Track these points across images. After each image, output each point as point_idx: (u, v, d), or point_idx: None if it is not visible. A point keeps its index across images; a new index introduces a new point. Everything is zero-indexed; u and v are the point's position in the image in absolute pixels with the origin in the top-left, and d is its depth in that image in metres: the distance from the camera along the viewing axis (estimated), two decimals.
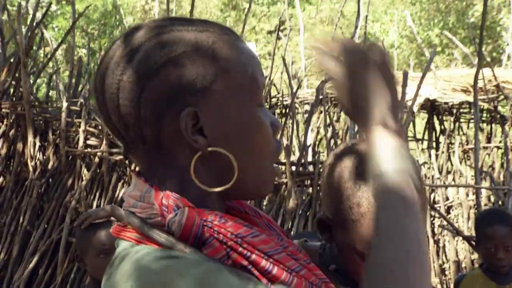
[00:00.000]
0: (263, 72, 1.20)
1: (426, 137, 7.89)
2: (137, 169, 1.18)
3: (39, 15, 6.76)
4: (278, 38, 8.08)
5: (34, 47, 6.43)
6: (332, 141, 5.90)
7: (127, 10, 19.01)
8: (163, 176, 1.11)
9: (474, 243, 4.28)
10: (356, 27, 5.18)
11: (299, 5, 7.60)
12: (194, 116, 1.07)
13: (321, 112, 7.10)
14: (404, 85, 4.89)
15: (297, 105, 7.67)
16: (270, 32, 20.53)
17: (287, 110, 5.70)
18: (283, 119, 5.91)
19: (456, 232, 4.78)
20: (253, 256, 1.04)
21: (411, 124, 7.66)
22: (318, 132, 7.60)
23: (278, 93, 8.19)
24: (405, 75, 4.89)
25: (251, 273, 1.03)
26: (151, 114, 1.07)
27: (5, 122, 5.55)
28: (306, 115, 7.30)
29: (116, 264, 1.07)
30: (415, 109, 7.30)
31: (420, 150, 7.86)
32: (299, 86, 6.58)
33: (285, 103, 7.93)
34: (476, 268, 3.99)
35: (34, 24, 5.92)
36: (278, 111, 7.98)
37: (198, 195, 1.09)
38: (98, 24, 14.29)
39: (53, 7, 17.38)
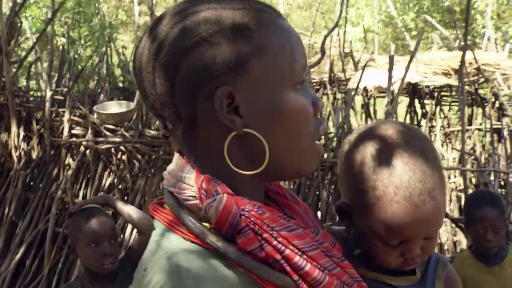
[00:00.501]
0: (304, 50, 1.18)
1: (408, 120, 7.91)
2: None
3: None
4: None
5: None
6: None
7: None
8: (199, 157, 1.11)
9: (462, 225, 4.32)
10: (340, 12, 5.19)
11: None
12: (229, 95, 1.06)
13: None
14: (391, 69, 4.93)
15: None
16: None
17: None
18: None
19: (445, 216, 4.81)
20: (287, 251, 1.04)
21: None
22: None
23: None
24: (391, 58, 4.92)
25: (283, 268, 1.03)
26: (186, 92, 1.07)
27: None
28: None
29: (153, 250, 1.07)
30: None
31: None
32: None
33: None
34: (465, 250, 4.03)
35: (13, 13, 5.86)
36: None
37: (233, 177, 1.08)
38: (72, 13, 14.10)
39: None
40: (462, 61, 4.71)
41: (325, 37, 5.05)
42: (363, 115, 7.69)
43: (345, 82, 7.47)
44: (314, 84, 7.68)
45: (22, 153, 5.49)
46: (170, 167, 1.14)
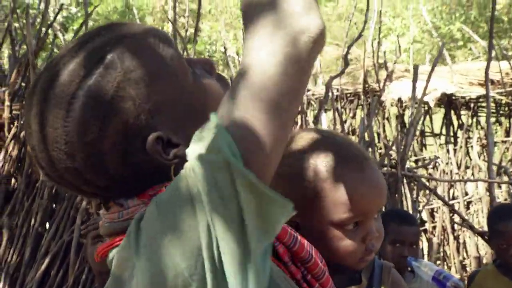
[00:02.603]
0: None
1: (444, 132, 7.78)
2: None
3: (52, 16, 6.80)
4: None
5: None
6: None
7: (147, 11, 19.09)
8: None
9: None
10: (365, 22, 5.11)
11: None
12: (158, 139, 1.05)
13: (336, 109, 7.04)
14: (415, 79, 4.82)
15: (312, 102, 7.61)
16: None
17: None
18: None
19: (470, 228, 4.69)
20: (309, 277, 1.16)
21: (428, 119, 7.57)
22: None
23: None
24: (415, 68, 4.83)
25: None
26: (120, 163, 1.06)
27: (15, 124, 5.55)
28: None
29: (119, 264, 1.03)
30: (431, 104, 7.22)
31: (438, 145, 7.76)
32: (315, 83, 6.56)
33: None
34: (490, 264, 3.99)
35: (45, 25, 5.93)
36: None
37: None
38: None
39: (73, 9, 17.51)
40: (487, 71, 4.59)
41: (349, 47, 4.98)
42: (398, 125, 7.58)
43: (379, 93, 7.38)
44: (348, 95, 7.61)
45: None
46: (104, 216, 1.12)
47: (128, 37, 1.09)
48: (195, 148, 0.93)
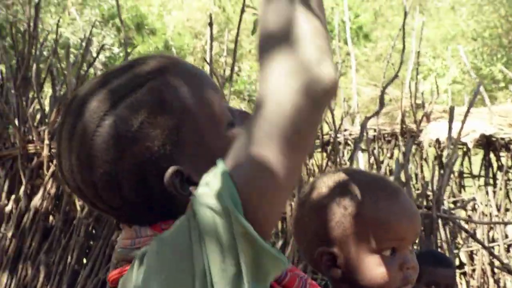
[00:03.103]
0: (216, 86, 1.19)
1: (482, 173, 7.66)
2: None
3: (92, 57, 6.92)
4: None
5: None
6: None
7: (188, 51, 19.33)
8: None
9: None
10: (401, 63, 5.10)
11: (350, 42, 7.55)
12: (178, 172, 1.07)
13: (373, 149, 7.00)
14: (451, 120, 4.79)
15: (349, 142, 7.58)
16: None
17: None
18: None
19: (508, 272, 4.60)
20: None
21: (467, 161, 7.48)
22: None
23: (331, 129, 8.12)
24: (452, 110, 4.80)
25: None
26: (134, 188, 1.08)
27: (54, 162, 5.63)
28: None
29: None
30: (470, 145, 7.14)
31: (477, 187, 7.64)
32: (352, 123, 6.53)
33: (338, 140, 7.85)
34: None
35: (85, 65, 6.04)
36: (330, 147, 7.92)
37: None
38: None
39: (116, 49, 17.82)
40: None
41: (384, 87, 4.97)
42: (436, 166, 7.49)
43: (416, 134, 7.32)
44: (386, 135, 7.56)
45: None
46: (121, 235, 1.15)
47: (176, 69, 1.13)
48: (201, 192, 0.94)
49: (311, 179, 4.39)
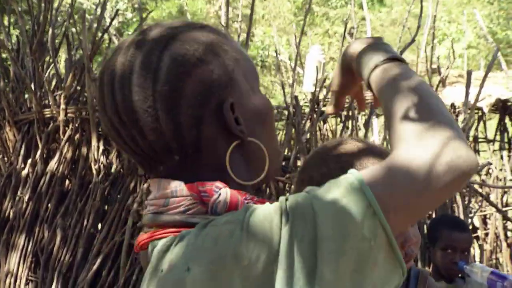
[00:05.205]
0: None
1: (498, 138, 7.62)
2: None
3: (107, 22, 6.90)
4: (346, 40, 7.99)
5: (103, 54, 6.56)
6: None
7: (201, 16, 19.22)
8: (198, 177, 1.08)
9: None
10: (418, 27, 5.05)
11: (366, 6, 7.48)
12: (231, 108, 1.09)
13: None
14: (468, 85, 4.75)
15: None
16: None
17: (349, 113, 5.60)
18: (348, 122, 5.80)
19: None
20: None
21: (482, 125, 7.43)
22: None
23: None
24: (469, 74, 4.75)
25: None
26: (192, 118, 1.07)
27: (70, 127, 5.65)
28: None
29: (160, 256, 1.04)
30: (485, 109, 7.09)
31: (492, 151, 7.61)
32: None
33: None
34: None
35: (100, 30, 6.03)
36: (344, 113, 7.90)
37: (232, 187, 1.07)
38: None
39: (129, 15, 17.76)
40: None
41: (401, 52, 4.92)
42: None
43: None
44: None
45: (102, 166, 5.61)
46: (150, 196, 1.12)
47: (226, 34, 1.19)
48: (329, 195, 0.96)
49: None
